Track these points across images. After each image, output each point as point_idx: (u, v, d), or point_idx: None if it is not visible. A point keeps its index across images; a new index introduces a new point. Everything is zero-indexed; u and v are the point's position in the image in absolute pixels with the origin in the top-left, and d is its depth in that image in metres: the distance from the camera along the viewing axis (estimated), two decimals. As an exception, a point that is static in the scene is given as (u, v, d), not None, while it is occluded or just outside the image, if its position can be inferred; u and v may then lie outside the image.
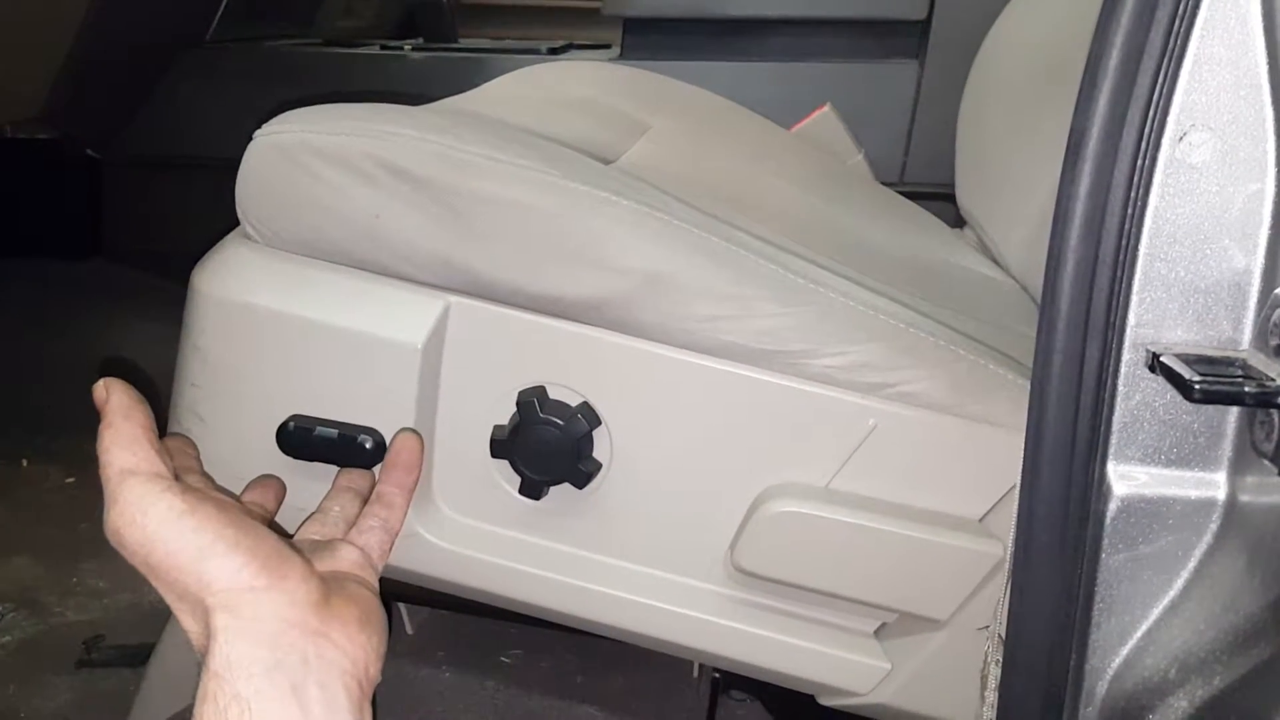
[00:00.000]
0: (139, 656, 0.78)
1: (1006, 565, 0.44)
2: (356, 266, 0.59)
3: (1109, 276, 0.37)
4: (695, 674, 0.73)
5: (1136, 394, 0.38)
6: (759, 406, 0.56)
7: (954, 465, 0.56)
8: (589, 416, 0.57)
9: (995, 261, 0.89)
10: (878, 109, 1.29)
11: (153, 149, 1.54)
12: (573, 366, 0.58)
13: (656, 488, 0.59)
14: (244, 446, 0.59)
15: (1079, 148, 0.37)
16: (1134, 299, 0.38)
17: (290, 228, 0.59)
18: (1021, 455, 0.51)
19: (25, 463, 1.18)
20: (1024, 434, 0.53)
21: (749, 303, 0.55)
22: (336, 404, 0.59)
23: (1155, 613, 0.39)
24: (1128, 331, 0.38)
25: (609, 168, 0.69)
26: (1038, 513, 0.40)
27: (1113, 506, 0.39)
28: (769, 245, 0.62)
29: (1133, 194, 0.36)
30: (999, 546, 0.54)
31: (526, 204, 0.56)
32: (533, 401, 0.57)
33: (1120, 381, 0.38)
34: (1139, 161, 0.36)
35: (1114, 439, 0.39)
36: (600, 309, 0.56)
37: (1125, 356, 0.38)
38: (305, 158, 0.57)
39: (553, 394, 0.58)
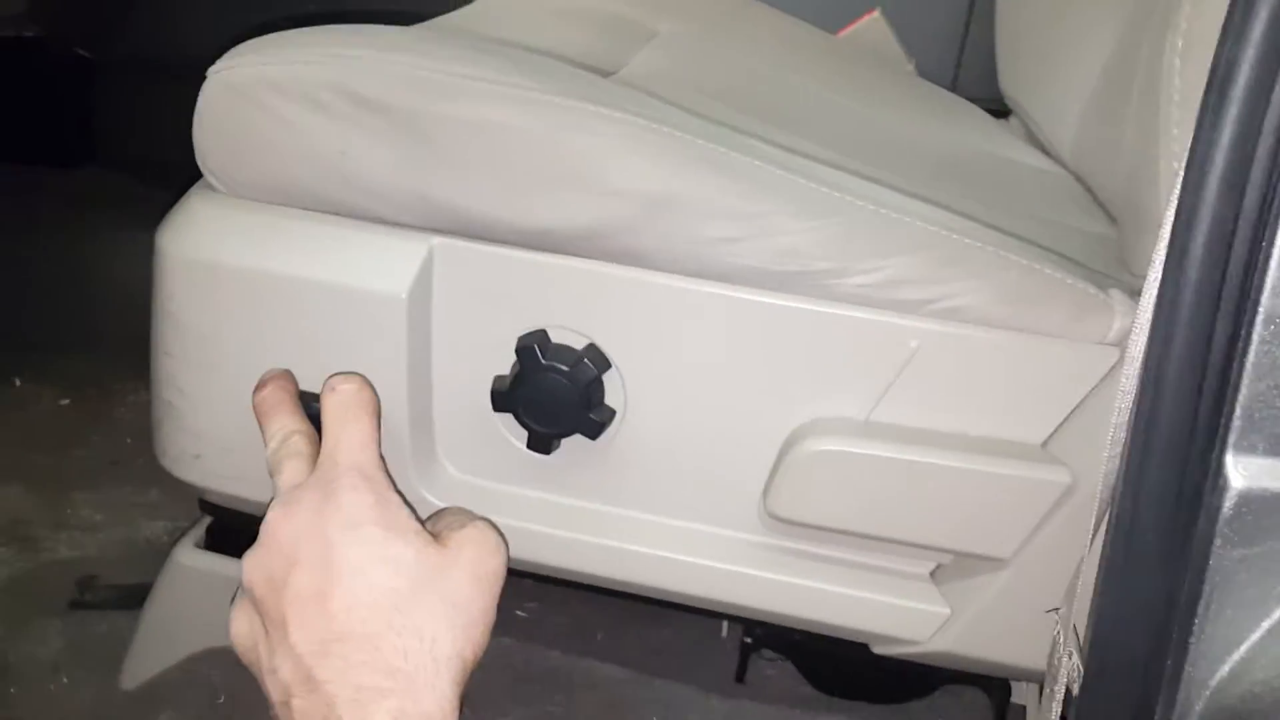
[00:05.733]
0: (135, 597, 0.75)
1: (1089, 527, 0.39)
2: (329, 211, 0.54)
3: (1247, 242, 0.31)
4: (724, 633, 0.71)
5: (1267, 377, 0.33)
6: (785, 335, 0.52)
7: (1010, 385, 0.51)
8: (596, 360, 0.53)
9: (1045, 152, 0.82)
10: (930, 17, 1.18)
11: (149, 49, 1.40)
12: (575, 306, 0.53)
13: (677, 433, 0.55)
14: (227, 416, 0.55)
15: (1225, 84, 0.30)
16: (1274, 265, 0.31)
17: (254, 174, 0.54)
18: (1087, 368, 0.48)
19: (17, 382, 1.12)
20: (1088, 345, 0.50)
21: (766, 219, 0.50)
22: (322, 364, 0.53)
23: (1268, 621, 0.34)
24: (1262, 306, 0.32)
25: (605, 80, 0.62)
26: (1142, 504, 0.35)
27: (1229, 501, 0.34)
28: (787, 153, 0.56)
29: (1285, 142, 0.30)
30: (1065, 473, 0.50)
31: (505, 125, 0.50)
32: (533, 347, 0.53)
33: (1249, 361, 0.33)
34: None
35: (1236, 426, 0.33)
36: (599, 239, 0.51)
37: (1258, 334, 0.32)
38: (261, 93, 0.52)
39: (555, 337, 0.53)
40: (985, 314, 0.50)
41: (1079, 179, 0.73)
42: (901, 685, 0.70)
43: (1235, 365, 0.33)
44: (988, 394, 0.52)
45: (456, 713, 0.38)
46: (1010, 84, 0.95)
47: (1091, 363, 0.50)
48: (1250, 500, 0.34)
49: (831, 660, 0.66)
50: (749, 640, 0.68)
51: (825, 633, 0.57)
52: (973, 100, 0.99)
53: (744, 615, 0.58)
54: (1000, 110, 0.98)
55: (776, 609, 0.57)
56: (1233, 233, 0.31)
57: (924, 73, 1.09)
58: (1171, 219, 0.33)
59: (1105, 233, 0.65)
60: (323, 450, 0.43)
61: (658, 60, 0.72)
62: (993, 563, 0.54)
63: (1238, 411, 0.33)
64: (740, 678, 0.71)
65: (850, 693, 0.70)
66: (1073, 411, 0.51)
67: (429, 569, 0.40)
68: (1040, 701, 0.43)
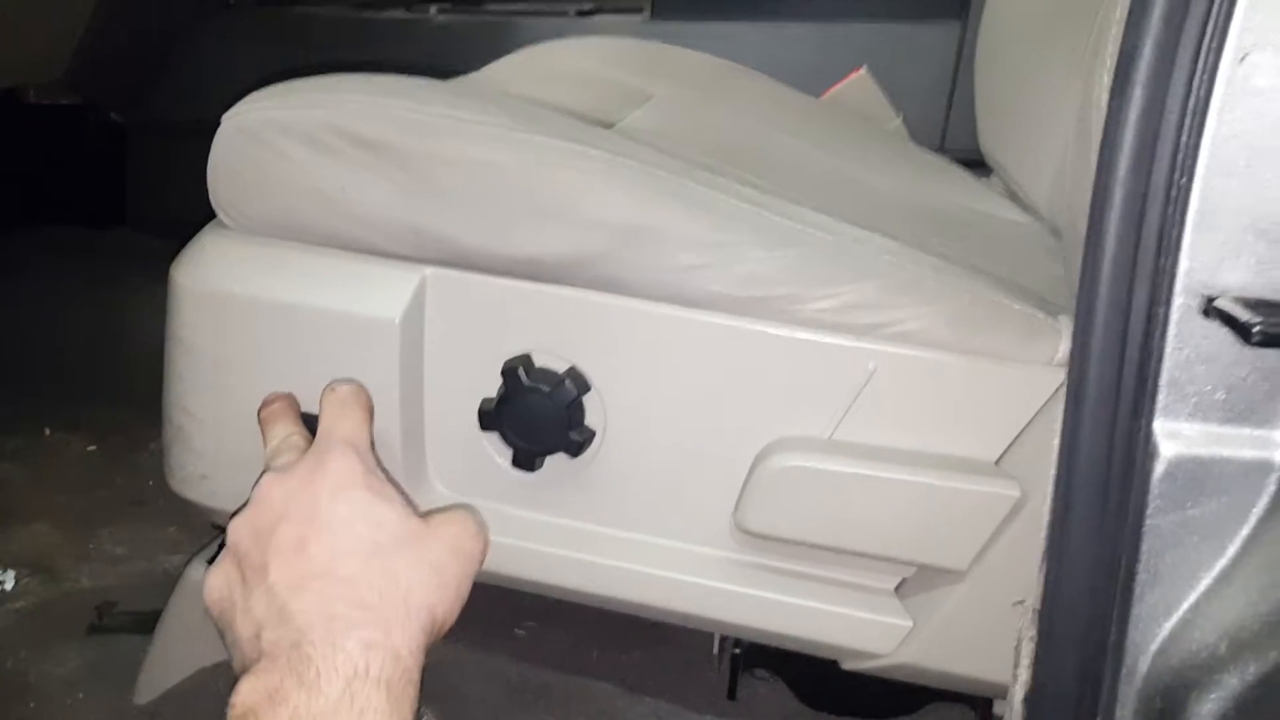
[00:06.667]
0: (151, 623, 0.77)
1: (1042, 532, 0.41)
2: (330, 244, 0.57)
3: (1159, 214, 0.33)
4: (715, 650, 0.72)
5: (1188, 344, 0.35)
6: (752, 358, 0.54)
7: (963, 405, 0.53)
8: (578, 382, 0.55)
9: (1024, 208, 0.84)
10: (917, 72, 1.21)
11: (177, 113, 1.47)
12: (557, 331, 0.55)
13: (653, 452, 0.56)
14: (233, 436, 0.57)
15: (1129, 69, 0.33)
16: (1186, 239, 0.34)
17: (261, 210, 0.58)
18: (1035, 389, 0.49)
19: (48, 431, 1.16)
20: (1036, 367, 0.51)
21: (732, 249, 0.52)
22: (321, 385, 0.55)
23: (1204, 583, 0.36)
24: (1179, 275, 0.34)
25: (588, 125, 0.65)
26: (1077, 475, 0.37)
27: (1159, 467, 0.36)
28: (752, 189, 0.59)
29: (1187, 121, 0.32)
30: (1016, 487, 0.52)
31: (489, 162, 0.53)
32: (517, 369, 0.55)
33: (1170, 330, 0.35)
34: (1195, 85, 0.32)
35: (1162, 394, 0.35)
36: (579, 268, 0.54)
37: (1176, 302, 0.34)
38: (269, 136, 0.56)
39: (539, 361, 0.56)
40: (938, 337, 0.52)
41: (1054, 231, 0.75)
42: (890, 702, 0.70)
43: (1156, 334, 0.35)
44: (942, 413, 0.53)
45: (422, 659, 0.39)
46: (989, 143, 0.98)
47: (1040, 383, 0.52)
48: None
49: (821, 677, 0.66)
50: (738, 652, 0.68)
51: (793, 647, 0.58)
52: (960, 155, 1.01)
53: (715, 629, 0.59)
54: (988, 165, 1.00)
55: (746, 623, 0.58)
56: (1144, 204, 0.34)
57: (912, 128, 1.11)
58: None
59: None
60: (318, 435, 0.45)
61: (649, 119, 0.76)
62: (951, 575, 0.55)
63: (1162, 380, 0.35)
64: (731, 694, 0.71)
65: (839, 709, 0.70)
66: (1023, 430, 0.52)
67: (410, 533, 0.42)
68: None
